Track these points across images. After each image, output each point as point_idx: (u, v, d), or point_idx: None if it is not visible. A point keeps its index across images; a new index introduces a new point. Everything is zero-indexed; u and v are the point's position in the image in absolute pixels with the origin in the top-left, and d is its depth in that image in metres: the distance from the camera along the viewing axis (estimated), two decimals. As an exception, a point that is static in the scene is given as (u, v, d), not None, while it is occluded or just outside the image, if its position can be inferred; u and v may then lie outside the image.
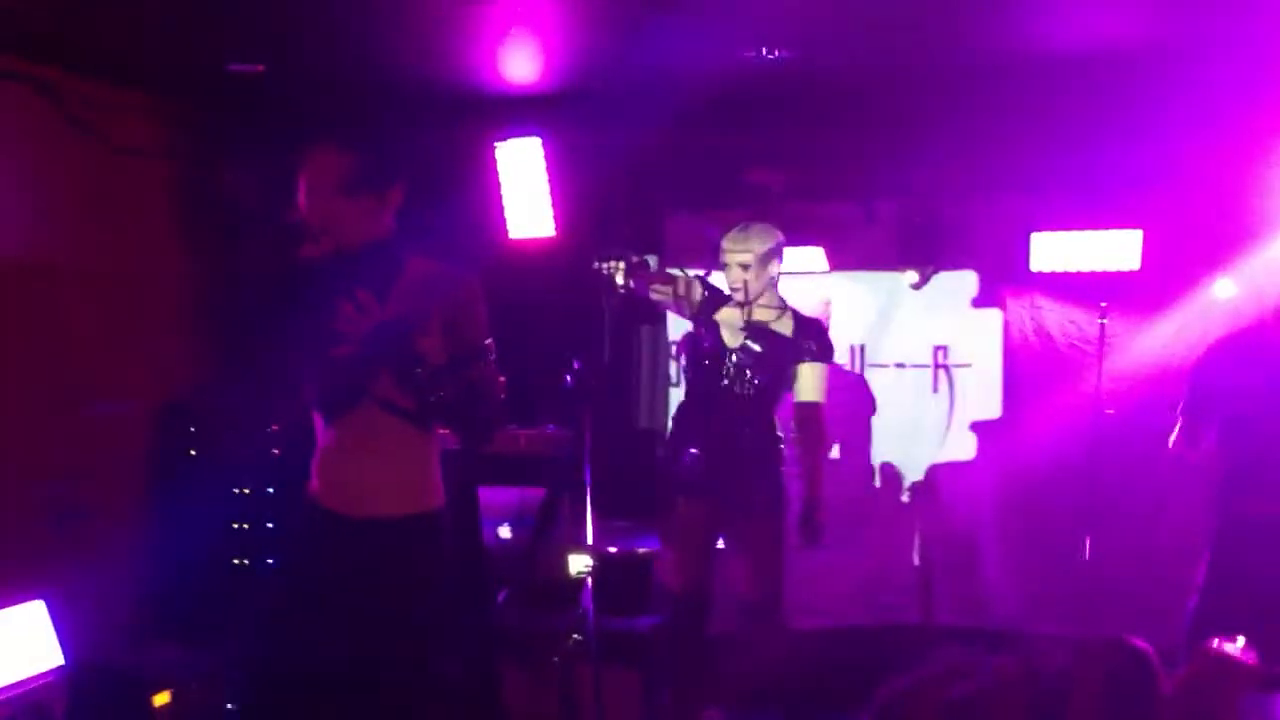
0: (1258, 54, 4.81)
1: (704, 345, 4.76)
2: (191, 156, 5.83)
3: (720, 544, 4.91)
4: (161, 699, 4.66)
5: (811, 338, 4.80)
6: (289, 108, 5.36)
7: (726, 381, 4.72)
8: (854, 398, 6.32)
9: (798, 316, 4.86)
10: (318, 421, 3.41)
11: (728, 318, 4.79)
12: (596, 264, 4.64)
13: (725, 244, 4.74)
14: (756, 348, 4.70)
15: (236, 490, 5.40)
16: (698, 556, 4.82)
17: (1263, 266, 5.42)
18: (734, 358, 4.72)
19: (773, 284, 4.80)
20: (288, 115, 5.05)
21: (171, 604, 5.31)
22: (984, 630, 5.97)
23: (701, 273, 5.01)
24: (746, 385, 4.71)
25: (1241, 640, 1.30)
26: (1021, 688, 0.91)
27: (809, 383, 4.77)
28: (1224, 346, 4.62)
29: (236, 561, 5.39)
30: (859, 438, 6.36)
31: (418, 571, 3.40)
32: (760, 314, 4.76)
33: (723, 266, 4.76)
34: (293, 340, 3.32)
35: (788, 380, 4.79)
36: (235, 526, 5.40)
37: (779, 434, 4.83)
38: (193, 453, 5.46)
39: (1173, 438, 4.63)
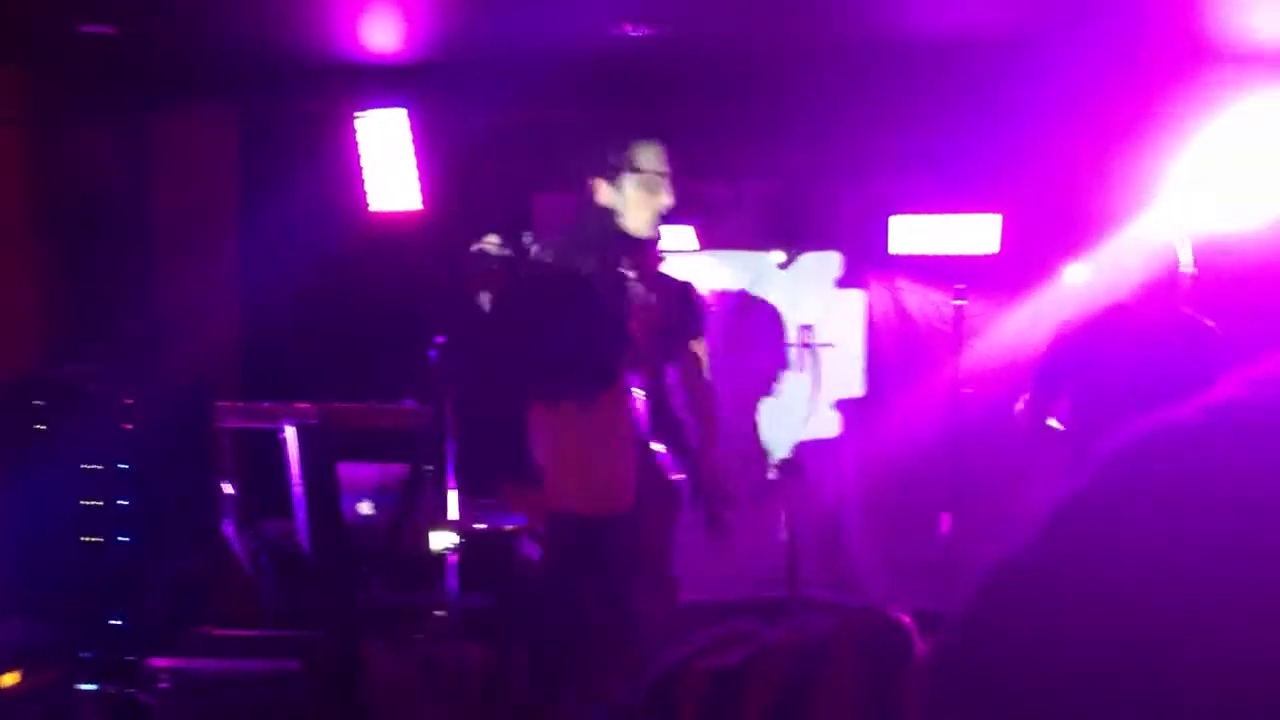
0: (1112, 41, 4.94)
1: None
2: (41, 124, 5.63)
3: None
4: (9, 679, 4.52)
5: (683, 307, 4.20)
6: (139, 74, 5.20)
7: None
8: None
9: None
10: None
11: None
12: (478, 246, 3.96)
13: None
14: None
15: (86, 466, 5.24)
16: None
17: (1119, 251, 5.55)
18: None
19: None
20: (138, 81, 4.91)
21: (17, 581, 5.14)
22: (842, 604, 6.08)
23: None
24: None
25: None
26: (784, 655, 0.92)
27: (697, 358, 4.28)
28: (1079, 324, 4.71)
29: (87, 539, 5.24)
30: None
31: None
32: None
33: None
34: None
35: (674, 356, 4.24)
36: (86, 503, 5.24)
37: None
38: (40, 428, 5.28)
39: (1018, 406, 4.72)
